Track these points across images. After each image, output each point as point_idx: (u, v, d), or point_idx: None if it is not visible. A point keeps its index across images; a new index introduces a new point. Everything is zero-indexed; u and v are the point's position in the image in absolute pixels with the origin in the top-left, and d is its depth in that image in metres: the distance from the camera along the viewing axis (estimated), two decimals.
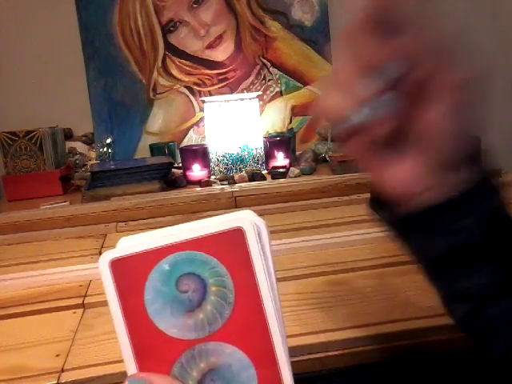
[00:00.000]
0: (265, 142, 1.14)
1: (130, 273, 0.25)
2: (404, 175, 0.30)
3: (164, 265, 0.25)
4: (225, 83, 1.34)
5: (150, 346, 0.25)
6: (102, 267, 0.26)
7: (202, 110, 1.31)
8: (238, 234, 0.25)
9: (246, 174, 1.05)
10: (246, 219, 0.25)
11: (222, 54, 1.33)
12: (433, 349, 0.46)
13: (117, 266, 0.26)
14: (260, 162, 1.15)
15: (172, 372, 0.26)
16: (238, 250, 0.25)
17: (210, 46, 1.32)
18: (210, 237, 0.26)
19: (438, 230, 0.31)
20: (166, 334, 0.25)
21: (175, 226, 0.27)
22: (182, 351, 0.26)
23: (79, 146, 1.28)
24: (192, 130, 1.34)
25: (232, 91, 1.34)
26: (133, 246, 0.26)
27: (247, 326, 0.26)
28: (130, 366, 0.25)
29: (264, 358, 0.26)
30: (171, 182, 1.04)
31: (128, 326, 0.25)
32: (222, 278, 0.26)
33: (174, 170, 1.11)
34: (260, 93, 1.31)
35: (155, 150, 1.22)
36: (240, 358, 0.26)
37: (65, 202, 0.97)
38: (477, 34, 1.46)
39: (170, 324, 0.25)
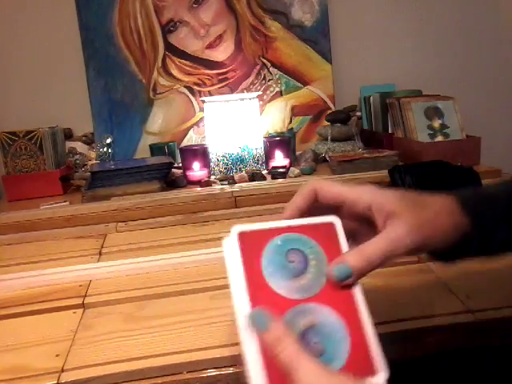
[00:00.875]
0: (265, 142, 1.14)
1: (252, 242, 0.33)
2: None
3: (277, 240, 0.34)
4: (225, 83, 1.34)
5: (263, 300, 0.31)
6: (232, 236, 0.33)
7: (201, 110, 1.31)
8: (330, 226, 0.35)
9: (246, 174, 1.05)
10: (335, 217, 0.35)
11: (222, 54, 1.33)
12: (433, 349, 0.46)
13: (243, 237, 0.33)
14: (260, 162, 1.15)
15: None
16: (331, 236, 0.35)
17: (210, 46, 1.32)
18: (312, 225, 0.35)
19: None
20: (276, 293, 0.32)
21: (284, 220, 0.35)
22: (287, 308, 0.31)
23: (79, 146, 1.28)
24: (192, 129, 1.34)
25: (232, 91, 1.34)
26: (255, 225, 0.34)
27: (339, 294, 0.33)
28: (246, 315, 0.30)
29: (354, 321, 0.32)
30: (171, 182, 1.04)
31: (247, 284, 0.31)
32: (319, 255, 0.34)
33: (173, 169, 1.11)
34: (260, 93, 1.31)
35: (155, 150, 1.22)
36: (334, 320, 0.32)
37: (65, 202, 0.97)
38: (477, 34, 1.46)
39: (280, 285, 0.32)
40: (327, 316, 0.32)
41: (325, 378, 0.27)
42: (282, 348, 0.28)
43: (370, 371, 0.30)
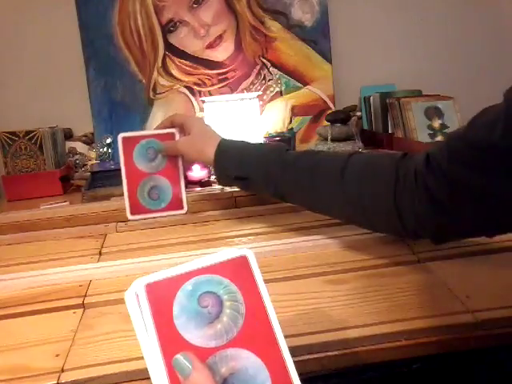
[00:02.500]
0: (264, 142, 1.14)
1: (161, 293, 0.31)
2: None
3: (188, 285, 0.31)
4: (225, 83, 1.34)
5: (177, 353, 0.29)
6: (139, 290, 0.31)
7: (201, 109, 1.31)
8: (243, 260, 0.33)
9: None
10: (246, 249, 0.33)
11: (222, 54, 1.33)
12: (433, 349, 0.46)
13: (150, 288, 0.31)
14: None
15: None
16: (244, 271, 0.33)
17: (210, 46, 1.32)
18: (222, 263, 0.33)
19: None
20: (191, 344, 0.30)
21: (192, 261, 0.33)
22: (205, 358, 0.30)
23: (79, 146, 1.28)
24: None
25: (232, 91, 1.34)
26: (161, 273, 0.31)
27: (258, 333, 0.31)
28: (161, 373, 0.29)
29: (274, 360, 0.31)
30: None
31: (159, 341, 0.30)
32: (234, 294, 0.32)
33: None
34: (260, 93, 1.31)
35: None
36: (255, 361, 0.31)
37: (65, 202, 0.97)
38: (477, 34, 1.46)
39: (194, 335, 0.30)
40: (247, 359, 0.31)
41: None
42: None
43: None
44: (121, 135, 0.81)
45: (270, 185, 0.67)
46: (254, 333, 0.31)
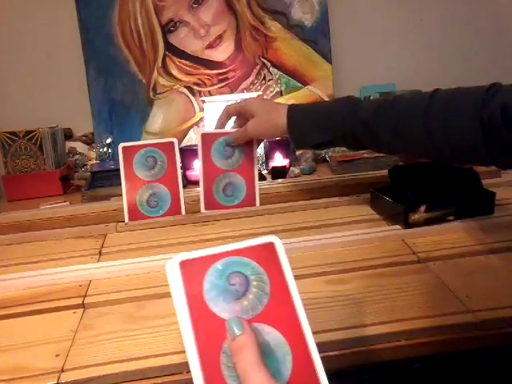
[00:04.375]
0: (265, 142, 1.14)
1: (194, 269, 0.34)
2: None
3: (218, 265, 0.35)
4: (225, 83, 1.34)
5: (205, 326, 0.32)
6: (173, 266, 0.34)
7: (201, 109, 1.31)
8: (270, 246, 0.36)
9: None
10: (274, 237, 0.37)
11: (222, 54, 1.33)
12: (433, 349, 0.46)
13: (185, 265, 0.34)
14: (260, 162, 1.15)
15: (223, 348, 0.32)
16: (271, 256, 0.36)
17: (210, 46, 1.32)
18: (252, 247, 0.36)
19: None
20: (218, 316, 0.33)
21: (224, 245, 0.36)
22: None
23: (79, 146, 1.28)
24: (192, 129, 1.34)
25: (232, 91, 1.34)
26: (196, 252, 0.35)
27: (281, 311, 0.34)
28: (189, 343, 0.32)
29: (295, 337, 0.33)
30: None
31: (190, 311, 0.33)
32: (260, 275, 0.35)
33: None
34: (260, 93, 1.31)
35: None
36: (277, 337, 0.33)
37: (65, 202, 0.98)
38: (477, 34, 1.46)
39: (222, 308, 0.33)
40: (269, 334, 0.33)
41: None
42: (241, 358, 0.30)
43: None
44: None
45: (350, 141, 0.69)
46: (278, 311, 0.34)
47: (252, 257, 0.35)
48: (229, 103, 0.82)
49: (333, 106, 0.72)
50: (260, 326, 0.33)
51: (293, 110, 0.74)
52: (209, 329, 0.32)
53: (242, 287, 0.34)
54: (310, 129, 0.71)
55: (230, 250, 0.35)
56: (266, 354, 0.32)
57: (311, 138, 0.71)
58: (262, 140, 0.88)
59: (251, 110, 0.77)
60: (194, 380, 0.31)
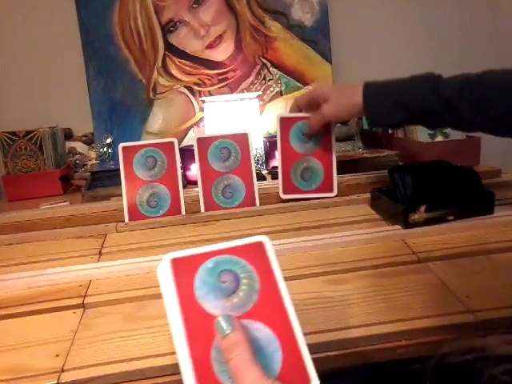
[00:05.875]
0: (265, 142, 1.14)
1: (185, 268, 0.35)
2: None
3: (209, 263, 0.35)
4: (225, 83, 1.34)
5: (196, 322, 0.33)
6: (164, 264, 0.35)
7: (201, 109, 1.31)
8: (260, 245, 0.37)
9: None
10: (263, 236, 0.38)
11: (222, 54, 1.33)
12: (433, 349, 0.46)
13: (176, 263, 0.35)
14: (260, 162, 1.15)
15: (214, 343, 0.32)
16: (261, 255, 0.37)
17: (210, 46, 1.32)
18: (241, 246, 0.37)
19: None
20: (209, 313, 0.33)
21: (214, 244, 0.37)
22: None
23: (79, 146, 1.28)
24: (192, 129, 1.34)
25: (232, 91, 1.34)
26: (187, 251, 0.36)
27: (271, 308, 0.34)
28: (179, 338, 0.32)
29: (285, 333, 0.34)
30: None
31: (180, 307, 0.33)
32: (250, 273, 0.36)
33: None
34: (260, 93, 1.31)
35: None
36: (266, 333, 0.34)
37: (65, 202, 0.97)
38: (477, 35, 1.46)
39: (213, 305, 0.34)
40: (259, 331, 0.33)
41: None
42: (233, 355, 0.30)
43: (303, 381, 0.33)
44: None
45: (429, 120, 0.70)
46: (267, 308, 0.34)
47: (242, 255, 0.36)
48: (296, 98, 0.82)
49: (411, 83, 0.73)
50: (250, 322, 0.34)
51: (369, 88, 0.73)
52: (199, 325, 0.33)
53: (233, 284, 0.35)
54: (387, 108, 0.71)
55: (221, 249, 0.36)
56: (256, 350, 0.32)
57: (389, 117, 0.71)
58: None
59: (323, 94, 0.76)
60: (184, 375, 0.31)
